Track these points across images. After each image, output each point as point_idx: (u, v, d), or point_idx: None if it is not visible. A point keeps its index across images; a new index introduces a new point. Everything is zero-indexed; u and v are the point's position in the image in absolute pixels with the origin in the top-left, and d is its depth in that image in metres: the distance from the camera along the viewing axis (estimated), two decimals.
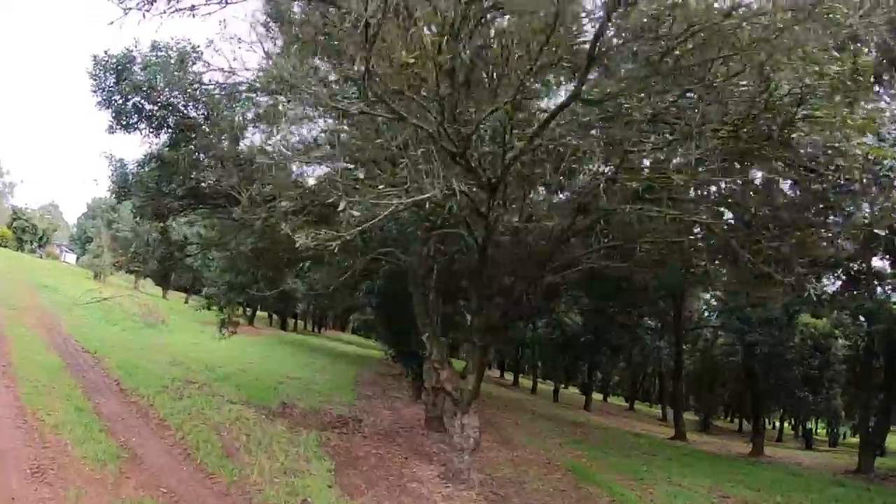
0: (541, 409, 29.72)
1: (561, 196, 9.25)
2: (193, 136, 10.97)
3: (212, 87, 10.03)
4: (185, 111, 10.79)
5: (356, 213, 4.85)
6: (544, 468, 12.95)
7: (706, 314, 35.17)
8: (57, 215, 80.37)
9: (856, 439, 42.01)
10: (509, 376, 46.68)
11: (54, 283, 28.87)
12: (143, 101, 10.49)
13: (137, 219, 12.49)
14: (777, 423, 46.98)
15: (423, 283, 10.62)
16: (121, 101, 10.40)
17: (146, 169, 11.01)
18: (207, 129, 10.79)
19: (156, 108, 10.72)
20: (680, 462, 17.69)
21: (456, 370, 11.20)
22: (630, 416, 35.41)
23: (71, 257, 65.58)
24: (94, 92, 10.36)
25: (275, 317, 52.73)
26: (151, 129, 10.87)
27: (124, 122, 10.79)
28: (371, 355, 41.75)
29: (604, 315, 29.73)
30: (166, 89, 10.49)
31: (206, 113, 10.89)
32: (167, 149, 11.06)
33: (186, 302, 49.49)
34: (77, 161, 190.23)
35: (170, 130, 10.93)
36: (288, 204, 8.14)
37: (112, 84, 10.27)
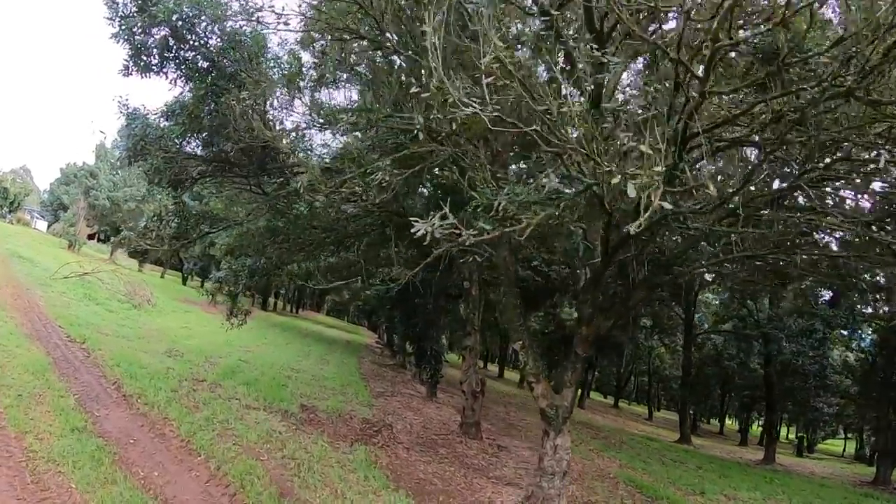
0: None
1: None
2: (231, 87, 8.53)
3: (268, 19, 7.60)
4: (222, 58, 8.31)
5: (658, 200, 2.75)
6: (605, 482, 11.26)
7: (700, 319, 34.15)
8: (28, 180, 74.12)
9: (828, 446, 42.35)
10: (492, 367, 45.03)
11: (29, 253, 25.51)
12: (171, 37, 7.98)
13: (149, 185, 9.90)
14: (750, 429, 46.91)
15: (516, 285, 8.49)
16: (142, 36, 7.86)
17: (171, 123, 8.48)
18: (251, 81, 8.39)
19: (186, 47, 8.23)
20: (714, 471, 16.34)
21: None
22: (619, 415, 34.15)
23: (42, 224, 60.29)
24: (109, 20, 7.78)
25: (255, 296, 49.69)
26: (181, 73, 8.36)
27: (143, 62, 8.25)
28: (358, 340, 39.51)
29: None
30: (203, 23, 8.03)
31: (248, 59, 8.46)
32: (195, 100, 8.56)
33: (162, 276, 46.06)
34: (50, 123, 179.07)
35: (201, 78, 8.42)
36: (385, 177, 5.90)
37: (133, 12, 7.72)
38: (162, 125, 8.59)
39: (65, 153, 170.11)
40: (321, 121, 8.66)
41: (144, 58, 8.22)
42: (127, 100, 8.50)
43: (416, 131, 5.41)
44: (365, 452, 9.18)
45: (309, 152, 8.62)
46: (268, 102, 8.68)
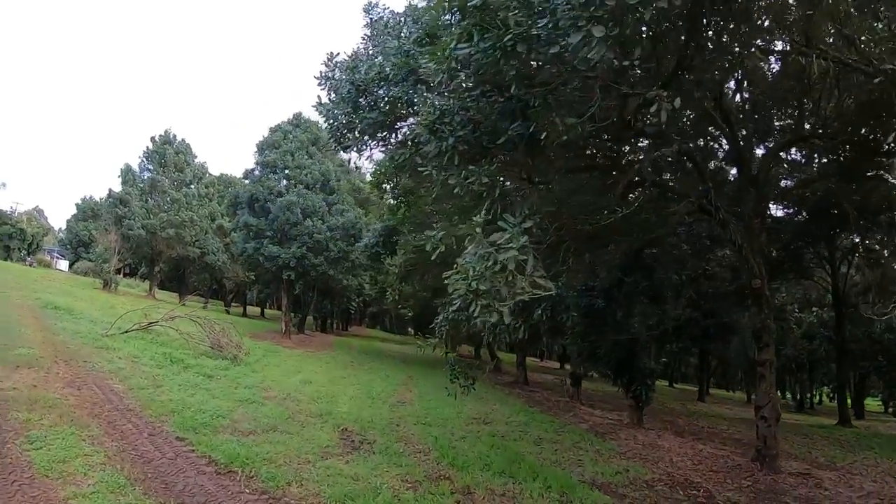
0: (672, 404, 22.80)
1: None
2: None
3: None
4: None
5: None
6: None
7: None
8: (42, 220, 65.58)
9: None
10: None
11: (64, 301, 19.01)
12: None
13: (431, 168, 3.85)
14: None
15: None
16: None
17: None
18: None
19: None
20: None
21: None
22: (718, 403, 28.44)
23: (63, 264, 52.37)
24: None
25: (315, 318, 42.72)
26: None
27: None
28: (426, 355, 33.41)
29: (715, 295, 22.85)
30: None
31: None
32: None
33: (205, 307, 39.14)
34: (58, 163, 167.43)
35: None
36: None
37: None
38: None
39: (74, 190, 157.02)
40: None
41: None
42: None
43: None
44: None
45: None
46: None
